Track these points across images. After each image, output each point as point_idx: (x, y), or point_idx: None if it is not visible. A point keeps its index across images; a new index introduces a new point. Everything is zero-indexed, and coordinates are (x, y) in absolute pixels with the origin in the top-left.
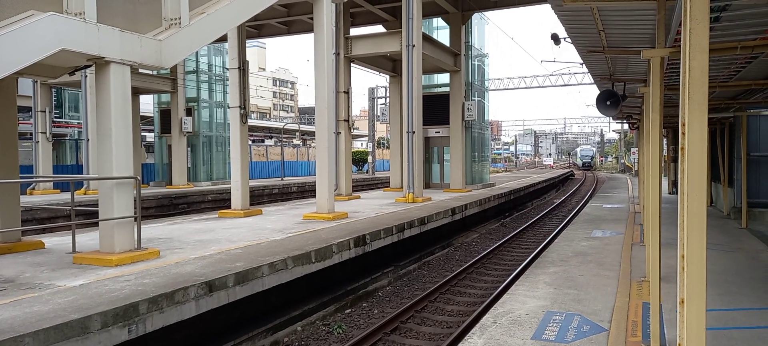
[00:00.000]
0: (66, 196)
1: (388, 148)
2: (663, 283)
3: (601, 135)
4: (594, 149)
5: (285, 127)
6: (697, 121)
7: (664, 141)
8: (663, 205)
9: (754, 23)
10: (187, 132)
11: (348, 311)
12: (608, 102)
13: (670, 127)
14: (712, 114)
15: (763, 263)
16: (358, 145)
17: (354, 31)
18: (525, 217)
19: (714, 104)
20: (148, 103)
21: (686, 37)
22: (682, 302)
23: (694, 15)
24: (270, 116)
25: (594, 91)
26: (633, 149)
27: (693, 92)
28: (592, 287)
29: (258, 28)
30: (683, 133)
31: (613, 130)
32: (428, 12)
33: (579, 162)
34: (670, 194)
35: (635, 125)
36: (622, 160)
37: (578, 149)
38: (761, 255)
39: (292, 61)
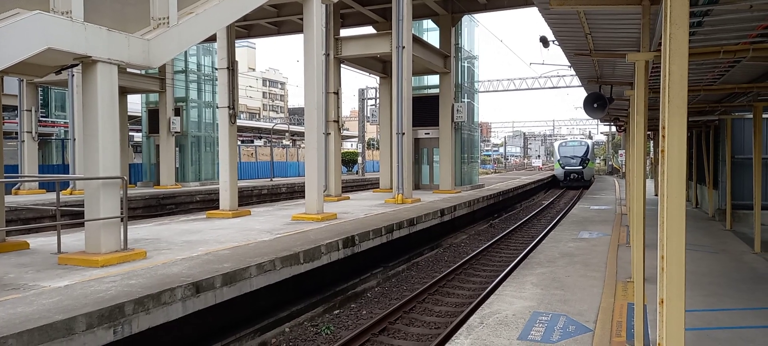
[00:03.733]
0: (52, 196)
1: (377, 149)
2: (647, 284)
3: (590, 137)
4: (589, 144)
5: (274, 127)
6: (676, 125)
7: (651, 143)
8: (648, 206)
9: (736, 28)
10: (176, 132)
11: (336, 311)
12: (595, 104)
13: (656, 130)
14: (697, 117)
15: (747, 264)
16: (348, 146)
17: (344, 32)
18: (514, 218)
19: (699, 107)
20: (135, 103)
21: (666, 42)
22: (662, 302)
23: (674, 20)
24: (259, 117)
25: (582, 94)
26: (620, 151)
27: (673, 96)
28: (579, 287)
29: (247, 28)
30: (663, 136)
31: (601, 133)
32: (418, 14)
33: (560, 169)
34: (656, 195)
35: (622, 128)
36: (610, 162)
37: (557, 145)
38: (745, 256)
39: (282, 61)
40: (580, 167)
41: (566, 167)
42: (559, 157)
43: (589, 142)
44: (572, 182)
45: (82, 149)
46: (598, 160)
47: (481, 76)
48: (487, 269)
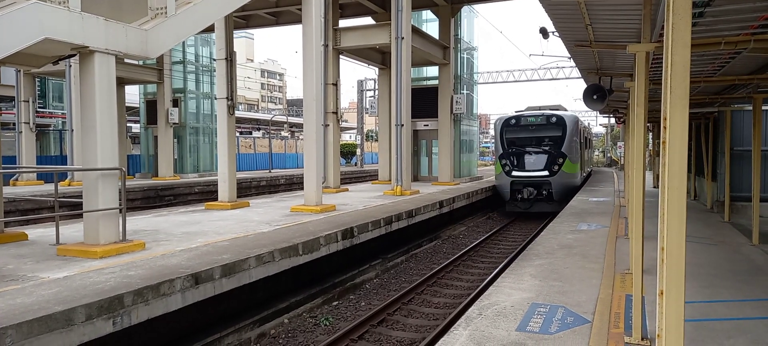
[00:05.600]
0: (50, 187)
1: (376, 140)
2: (646, 275)
3: (588, 128)
4: (566, 120)
5: (273, 119)
6: (678, 116)
7: (650, 135)
8: (647, 198)
9: (737, 19)
10: (174, 123)
11: (335, 303)
12: (595, 96)
13: (656, 122)
14: (697, 109)
15: (745, 256)
16: (347, 137)
17: (343, 23)
18: None
19: (699, 99)
20: (133, 94)
21: (669, 33)
22: (662, 293)
23: (676, 10)
24: (258, 108)
25: (581, 86)
26: (619, 143)
27: (675, 87)
28: (577, 279)
29: (246, 18)
30: (665, 128)
31: (600, 125)
32: (418, 4)
33: (504, 177)
34: (654, 187)
35: (622, 119)
36: (609, 154)
37: (500, 125)
38: (743, 248)
39: (280, 52)
40: (545, 173)
41: (515, 173)
42: (502, 151)
43: (567, 116)
44: (528, 204)
45: (80, 140)
46: (597, 153)
47: (480, 67)
48: (485, 261)
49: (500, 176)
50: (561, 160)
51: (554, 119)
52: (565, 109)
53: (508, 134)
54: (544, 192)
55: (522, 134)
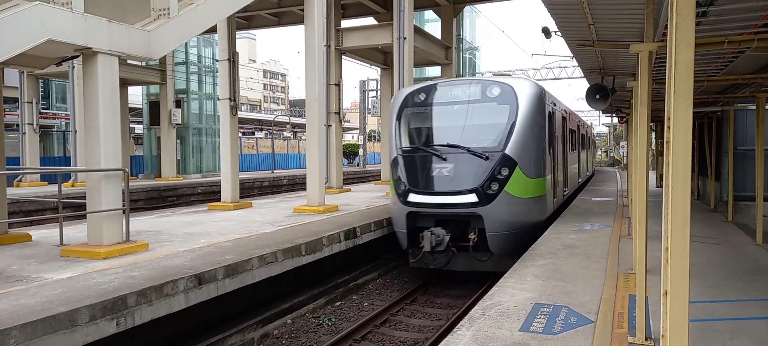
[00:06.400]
0: (53, 188)
1: (379, 141)
2: (649, 275)
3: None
4: (516, 93)
5: (275, 119)
6: (682, 116)
7: (653, 135)
8: (650, 198)
9: (740, 18)
10: (177, 124)
11: (338, 303)
12: (598, 96)
13: (659, 121)
14: (700, 108)
15: (748, 256)
16: (349, 137)
17: (345, 23)
18: None
19: (702, 99)
20: (136, 95)
21: (672, 32)
22: (666, 293)
23: (680, 10)
24: (260, 108)
25: (584, 85)
26: (622, 143)
27: (678, 86)
28: (580, 279)
29: (248, 19)
30: (668, 127)
31: (603, 124)
32: (420, 4)
33: (400, 206)
34: (657, 187)
35: (624, 119)
36: (612, 154)
37: (397, 104)
38: (746, 248)
39: (282, 53)
40: (471, 199)
41: (414, 198)
42: (395, 153)
43: (521, 86)
44: (441, 259)
45: (84, 141)
46: (599, 152)
47: (482, 67)
48: None
49: (397, 205)
50: (505, 172)
51: (496, 92)
52: (527, 78)
53: (412, 122)
54: (471, 235)
55: (435, 122)
